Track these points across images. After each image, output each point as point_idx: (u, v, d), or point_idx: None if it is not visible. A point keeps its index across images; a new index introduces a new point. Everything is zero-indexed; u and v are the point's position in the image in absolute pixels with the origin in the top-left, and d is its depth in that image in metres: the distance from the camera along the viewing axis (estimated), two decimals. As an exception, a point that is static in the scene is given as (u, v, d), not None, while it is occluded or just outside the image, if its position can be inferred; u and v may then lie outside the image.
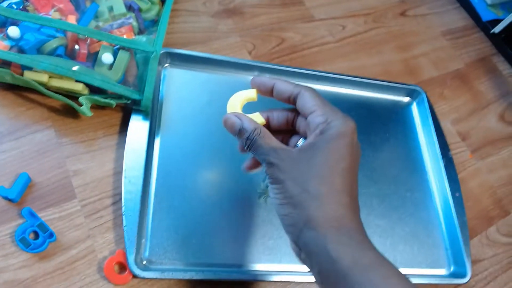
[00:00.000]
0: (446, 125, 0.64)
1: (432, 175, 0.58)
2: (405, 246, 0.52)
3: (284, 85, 0.38)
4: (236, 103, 0.40)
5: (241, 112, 0.38)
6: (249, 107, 0.40)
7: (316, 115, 0.35)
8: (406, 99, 0.64)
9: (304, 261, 0.33)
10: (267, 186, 0.50)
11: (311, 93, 0.37)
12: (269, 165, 0.34)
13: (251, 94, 0.40)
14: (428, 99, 0.63)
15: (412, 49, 0.71)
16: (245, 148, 0.37)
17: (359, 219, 0.34)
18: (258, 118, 0.39)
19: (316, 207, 0.32)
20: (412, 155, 0.59)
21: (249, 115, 0.38)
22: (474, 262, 0.54)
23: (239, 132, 0.37)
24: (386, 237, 0.51)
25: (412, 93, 0.64)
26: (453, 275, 0.51)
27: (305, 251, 0.32)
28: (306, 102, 0.36)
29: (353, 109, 0.60)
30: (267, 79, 0.39)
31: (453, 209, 0.54)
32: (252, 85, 0.40)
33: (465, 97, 0.69)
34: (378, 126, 0.60)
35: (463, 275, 0.51)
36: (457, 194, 0.56)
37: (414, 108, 0.64)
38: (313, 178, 0.33)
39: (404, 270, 0.49)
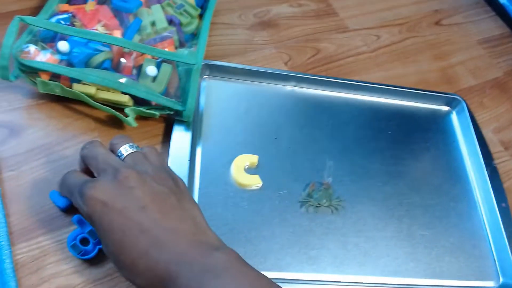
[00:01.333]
0: (487, 134, 0.63)
1: (476, 185, 0.57)
2: (451, 258, 0.50)
3: None
4: (240, 164, 0.50)
5: None
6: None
7: None
8: (445, 108, 0.63)
9: None
10: (308, 195, 0.49)
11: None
12: None
13: (254, 159, 0.50)
14: (469, 107, 0.62)
15: (449, 58, 0.70)
16: None
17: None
18: (257, 179, 0.49)
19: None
20: (454, 165, 0.58)
21: (250, 176, 0.49)
22: (524, 275, 0.52)
23: None
24: (431, 248, 0.50)
25: (451, 102, 0.63)
26: (502, 287, 0.50)
27: None
28: None
29: (392, 118, 0.60)
30: None
31: (500, 219, 0.53)
32: None
33: (506, 106, 0.68)
34: (418, 135, 0.59)
35: (513, 288, 0.49)
36: (503, 205, 0.55)
37: (454, 117, 0.62)
38: None
39: (451, 282, 0.49)
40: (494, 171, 0.57)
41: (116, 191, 0.33)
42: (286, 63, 0.62)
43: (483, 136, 0.61)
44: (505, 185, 0.58)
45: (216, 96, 0.55)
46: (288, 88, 0.59)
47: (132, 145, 0.39)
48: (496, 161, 0.60)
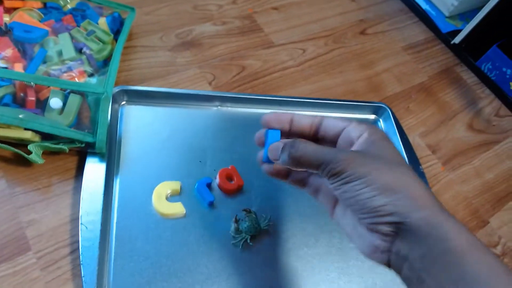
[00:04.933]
0: (415, 139, 0.64)
1: (404, 191, 0.57)
2: (383, 268, 0.50)
3: (303, 117, 0.39)
4: (162, 192, 0.48)
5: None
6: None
7: (351, 129, 0.36)
8: (372, 117, 0.64)
9: (396, 253, 0.31)
10: (236, 232, 0.47)
11: (333, 118, 0.38)
12: (338, 164, 0.32)
13: (176, 186, 0.48)
14: (394, 114, 0.63)
15: (375, 66, 0.71)
16: (295, 160, 0.35)
17: None
18: (180, 207, 0.47)
19: (417, 187, 0.31)
20: (382, 173, 0.58)
21: (172, 204, 0.47)
22: (455, 278, 0.52)
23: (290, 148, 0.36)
24: (363, 260, 0.49)
25: (377, 110, 0.63)
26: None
27: (409, 237, 0.30)
28: (334, 123, 0.37)
29: (319, 131, 0.59)
30: (281, 114, 0.39)
31: (428, 224, 0.53)
32: (266, 123, 0.39)
33: (432, 110, 0.69)
34: (345, 146, 0.59)
35: (444, 293, 0.49)
36: (431, 209, 0.55)
37: (381, 125, 0.63)
38: (394, 168, 0.32)
39: (383, 294, 0.48)
40: (421, 176, 0.58)
41: None
42: (210, 83, 0.61)
43: (410, 142, 0.61)
44: (434, 189, 0.59)
45: (135, 122, 0.53)
46: (212, 108, 0.57)
47: None
48: (424, 165, 0.61)
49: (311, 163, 0.34)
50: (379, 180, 0.31)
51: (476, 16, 0.75)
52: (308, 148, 0.34)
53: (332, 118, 0.38)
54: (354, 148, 0.35)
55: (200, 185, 0.49)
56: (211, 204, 0.49)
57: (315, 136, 0.39)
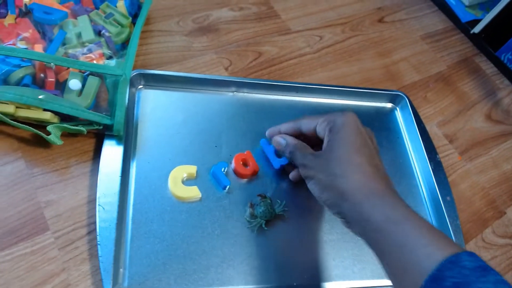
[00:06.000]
0: (432, 128, 0.63)
1: (421, 180, 0.57)
2: (397, 256, 0.49)
3: (286, 126, 0.49)
4: (178, 176, 0.48)
5: (285, 135, 0.49)
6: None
7: (319, 125, 0.45)
8: (389, 105, 0.63)
9: (348, 227, 0.41)
10: (251, 217, 0.47)
11: (306, 117, 0.47)
12: (302, 166, 0.44)
13: (192, 170, 0.48)
14: (412, 103, 0.62)
15: (392, 55, 0.70)
16: (288, 158, 0.48)
17: (387, 183, 0.40)
18: (196, 191, 0.47)
19: (343, 182, 0.40)
20: (399, 161, 0.58)
21: (188, 188, 0.47)
22: (471, 268, 0.52)
23: (285, 147, 0.48)
24: (376, 248, 0.49)
25: (394, 99, 0.63)
26: (449, 283, 0.49)
27: (347, 220, 0.40)
28: (308, 125, 0.46)
29: (335, 118, 0.59)
30: (272, 129, 0.50)
31: (445, 213, 0.53)
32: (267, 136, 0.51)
33: (450, 99, 0.68)
34: (362, 134, 0.59)
35: (460, 283, 0.48)
36: (448, 198, 0.55)
37: (398, 113, 0.62)
38: (335, 163, 0.41)
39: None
40: (438, 165, 0.57)
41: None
42: (226, 69, 0.60)
43: (427, 131, 0.61)
44: (451, 178, 0.58)
45: (152, 106, 0.53)
46: (228, 94, 0.57)
47: None
48: (441, 155, 0.60)
49: (296, 161, 0.46)
50: (321, 180, 0.42)
51: (497, 5, 0.73)
52: (296, 154, 0.46)
53: (306, 120, 0.46)
54: (325, 141, 0.44)
55: (216, 170, 0.49)
56: (226, 189, 0.49)
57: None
